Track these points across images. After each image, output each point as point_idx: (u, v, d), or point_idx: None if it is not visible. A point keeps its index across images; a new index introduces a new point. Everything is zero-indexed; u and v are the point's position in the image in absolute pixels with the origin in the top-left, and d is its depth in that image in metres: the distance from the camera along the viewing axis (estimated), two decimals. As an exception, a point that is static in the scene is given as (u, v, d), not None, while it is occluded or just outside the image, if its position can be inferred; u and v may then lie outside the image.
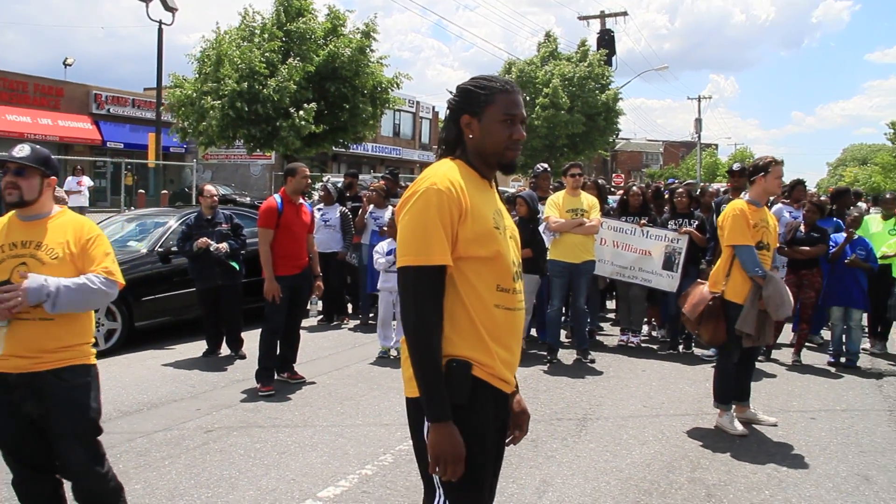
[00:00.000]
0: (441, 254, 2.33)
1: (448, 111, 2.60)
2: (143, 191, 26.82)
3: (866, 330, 9.52)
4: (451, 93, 2.60)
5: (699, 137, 67.14)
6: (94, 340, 3.58)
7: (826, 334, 9.55)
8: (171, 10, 24.64)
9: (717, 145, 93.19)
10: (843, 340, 8.64)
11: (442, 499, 2.40)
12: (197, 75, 20.82)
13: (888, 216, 9.42)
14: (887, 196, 10.08)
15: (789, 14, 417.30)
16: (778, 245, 6.40)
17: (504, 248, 2.46)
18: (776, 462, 5.34)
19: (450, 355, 2.36)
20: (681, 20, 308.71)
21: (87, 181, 20.88)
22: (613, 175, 42.07)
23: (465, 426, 2.33)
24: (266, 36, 20.74)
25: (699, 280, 6.46)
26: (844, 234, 8.75)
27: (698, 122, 65.07)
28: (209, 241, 8.03)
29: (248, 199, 26.08)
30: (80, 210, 20.07)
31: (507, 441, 2.68)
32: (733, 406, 6.09)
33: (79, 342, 3.43)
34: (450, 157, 2.55)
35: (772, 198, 11.23)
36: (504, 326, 2.45)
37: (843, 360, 8.53)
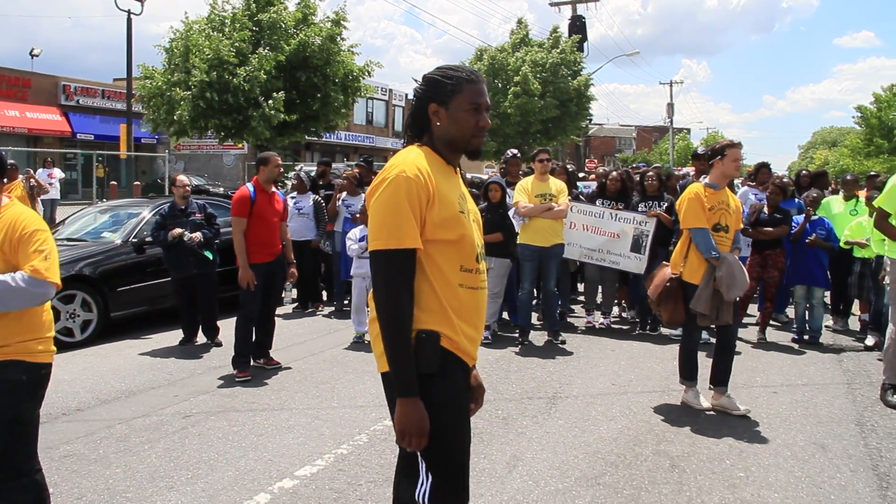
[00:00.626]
0: (411, 238, 2.44)
1: (415, 99, 2.70)
2: (115, 182, 26.68)
3: (829, 307, 9.82)
4: (417, 81, 2.72)
5: (671, 122, 67.74)
6: (45, 337, 3.40)
7: (790, 312, 9.80)
8: (141, -1, 24.51)
9: (689, 130, 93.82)
10: (806, 318, 8.89)
11: (422, 468, 2.52)
12: (166, 66, 20.71)
13: (849, 197, 9.67)
14: (848, 178, 10.33)
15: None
16: (742, 226, 6.55)
17: (468, 231, 2.59)
18: (738, 434, 5.56)
19: (418, 329, 2.49)
20: (653, 5, 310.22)
21: (58, 173, 20.78)
22: (586, 160, 42.37)
23: (440, 394, 2.49)
24: (236, 26, 20.67)
25: (664, 262, 6.59)
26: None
27: (670, 106, 65.64)
28: (183, 230, 8.11)
29: (220, 189, 26.00)
30: (52, 203, 20.00)
31: None
32: (717, 393, 6.14)
33: (19, 339, 3.25)
34: (416, 144, 2.66)
35: (738, 181, 11.56)
36: (468, 304, 2.59)
37: (806, 337, 8.78)
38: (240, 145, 29.24)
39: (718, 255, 5.85)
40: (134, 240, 9.12)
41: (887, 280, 6.65)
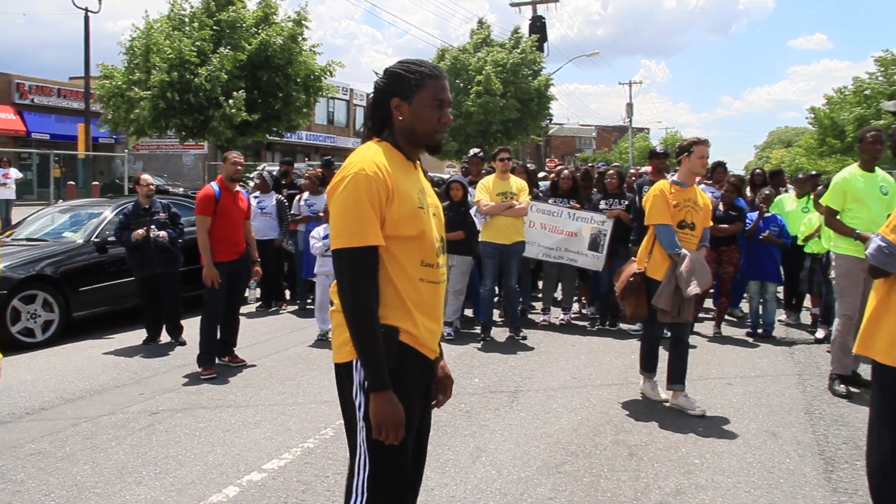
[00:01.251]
0: (373, 235, 2.47)
1: (375, 93, 2.71)
2: (72, 182, 26.31)
3: (782, 302, 10.11)
4: (377, 74, 2.74)
5: (630, 122, 68.46)
6: None
7: (744, 307, 10.07)
8: (98, -4, 24.19)
9: (648, 129, 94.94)
10: (760, 312, 9.15)
11: (363, 457, 2.57)
12: (126, 65, 20.51)
13: (802, 195, 9.95)
14: (800, 176, 10.63)
15: (717, 1, 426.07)
16: (710, 224, 6.48)
17: (428, 226, 2.62)
18: (693, 423, 5.74)
19: (379, 322, 2.53)
20: (613, 6, 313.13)
21: (14, 173, 20.48)
22: (547, 160, 42.66)
23: (394, 389, 2.51)
24: (196, 25, 20.53)
25: (633, 259, 6.64)
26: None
27: (630, 106, 66.39)
28: (146, 231, 8.10)
29: (181, 189, 25.72)
30: (7, 203, 19.71)
31: (432, 404, 2.89)
32: (674, 392, 6.20)
33: None
34: (375, 140, 2.68)
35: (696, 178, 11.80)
36: (428, 298, 2.64)
37: (759, 330, 9.03)
38: (200, 145, 29.01)
39: (681, 251, 5.92)
40: (96, 239, 9.09)
41: (833, 274, 6.90)
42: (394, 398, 2.47)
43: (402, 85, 2.62)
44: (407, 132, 2.65)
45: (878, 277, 3.21)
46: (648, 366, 6.40)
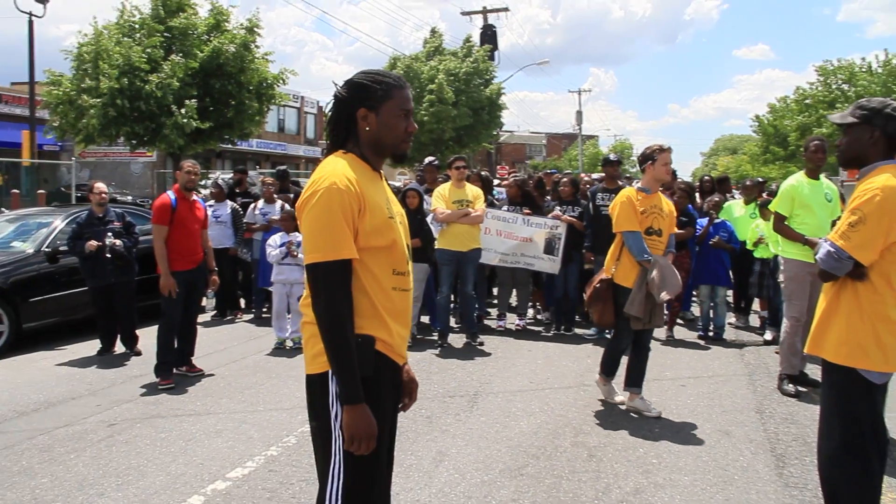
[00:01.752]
0: (347, 248, 2.49)
1: (339, 104, 2.71)
2: (17, 190, 25.71)
3: (732, 305, 10.37)
4: (336, 85, 2.72)
5: (580, 129, 69.23)
6: None
7: (695, 310, 10.30)
8: (43, 1, 23.70)
9: (598, 137, 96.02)
10: (711, 316, 9.37)
11: (338, 465, 2.57)
12: (75, 72, 20.12)
13: (749, 201, 10.23)
14: (748, 183, 10.94)
15: (664, 11, 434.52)
16: (674, 230, 6.49)
17: (398, 235, 2.66)
18: (650, 424, 5.88)
19: (355, 333, 2.55)
20: (562, 15, 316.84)
21: (-45, 182, 19.98)
22: (498, 167, 42.94)
23: (369, 397, 2.54)
24: (146, 31, 20.25)
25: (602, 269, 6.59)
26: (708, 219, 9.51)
27: (579, 114, 67.21)
28: (101, 242, 7.99)
29: (129, 197, 25.24)
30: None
31: (399, 408, 2.92)
32: (631, 394, 6.31)
33: None
34: (341, 152, 2.67)
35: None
36: (400, 305, 2.69)
37: (710, 333, 9.26)
38: (150, 153, 28.56)
39: (651, 257, 5.98)
40: (47, 249, 8.94)
41: (781, 278, 7.12)
42: (367, 411, 2.50)
43: (368, 95, 2.64)
44: (373, 142, 2.67)
45: (827, 281, 3.35)
46: (609, 370, 6.43)
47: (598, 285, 6.15)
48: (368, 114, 2.64)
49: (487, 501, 4.43)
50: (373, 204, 2.57)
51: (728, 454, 5.25)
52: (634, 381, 6.29)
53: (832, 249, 3.21)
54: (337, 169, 2.56)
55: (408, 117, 2.69)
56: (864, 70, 43.59)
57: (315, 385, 2.62)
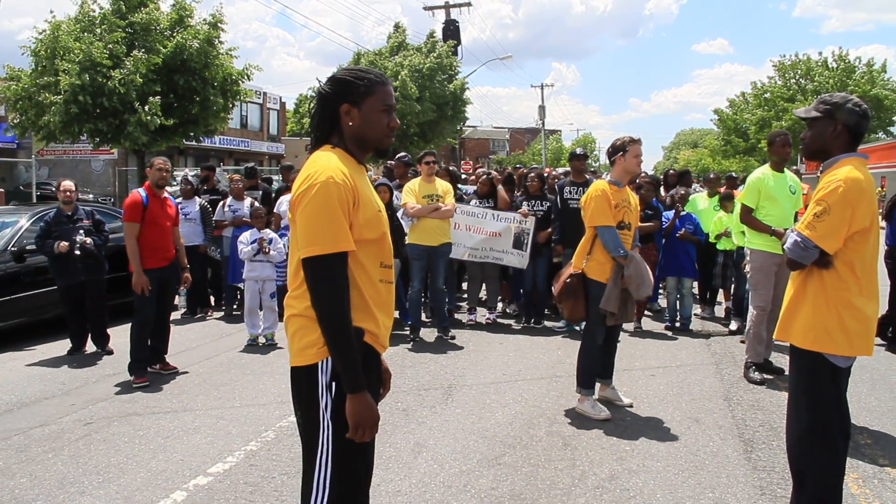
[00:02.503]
0: (346, 240, 2.53)
1: (322, 100, 2.75)
2: (-28, 190, 25.26)
3: (697, 296, 10.59)
4: (319, 81, 2.85)
5: (543, 124, 69.54)
6: None
7: (662, 302, 10.49)
8: (-3, -3, 23.26)
9: (560, 131, 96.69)
10: (678, 307, 9.55)
11: (325, 455, 2.62)
12: (33, 68, 19.78)
13: (713, 194, 10.43)
14: (711, 176, 11.16)
15: (624, 5, 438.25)
16: (638, 224, 6.46)
17: (387, 228, 2.77)
18: (622, 413, 6.02)
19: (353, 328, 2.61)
20: (524, 10, 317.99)
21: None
22: (462, 162, 43.08)
23: None
24: (106, 27, 19.98)
25: (570, 262, 6.50)
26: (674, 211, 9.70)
27: (542, 109, 67.32)
28: (70, 244, 7.94)
29: (90, 195, 24.87)
30: None
31: None
32: (602, 385, 6.30)
33: None
34: (329, 146, 2.72)
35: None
36: (386, 297, 2.77)
37: (677, 324, 9.45)
38: (112, 150, 28.17)
39: (626, 253, 5.90)
40: (13, 248, 8.85)
41: (747, 268, 7.30)
42: (370, 398, 2.55)
43: (351, 91, 2.69)
44: (357, 137, 2.73)
45: (794, 269, 3.49)
46: (587, 381, 6.09)
47: (568, 280, 6.03)
48: (351, 109, 2.70)
49: (466, 490, 4.52)
50: (365, 197, 2.63)
51: (698, 440, 5.40)
52: (605, 373, 6.34)
53: (799, 239, 3.35)
54: (331, 163, 2.60)
55: (389, 113, 2.75)
56: (820, 65, 44.50)
57: (302, 377, 2.65)
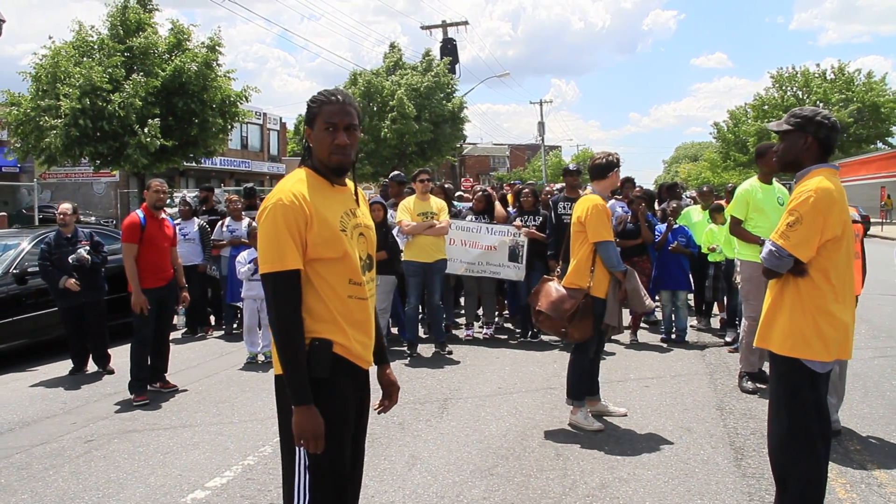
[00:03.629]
0: (292, 259, 2.67)
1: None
2: (-24, 214, 25.39)
3: (694, 307, 10.68)
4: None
5: (542, 140, 69.82)
6: None
7: (658, 313, 10.57)
8: (-1, 21, 23.48)
9: (560, 147, 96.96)
10: (673, 319, 9.64)
11: (303, 461, 2.74)
12: (34, 92, 20.00)
13: (706, 206, 10.53)
14: (704, 189, 11.28)
15: (623, 22, 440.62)
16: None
17: (351, 248, 2.81)
18: (615, 424, 6.10)
19: (312, 337, 2.74)
20: (523, 27, 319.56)
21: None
22: (462, 179, 43.24)
23: (328, 397, 2.73)
24: (105, 51, 20.21)
25: (545, 276, 6.61)
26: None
27: (541, 125, 67.62)
28: (74, 281, 8.09)
29: (92, 218, 24.99)
30: None
31: (378, 410, 3.13)
32: (592, 400, 6.32)
33: None
34: (302, 166, 2.90)
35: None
36: (358, 314, 2.86)
37: (673, 336, 9.53)
38: (114, 173, 28.34)
39: (625, 268, 6.01)
40: (15, 271, 8.96)
41: (738, 279, 7.39)
42: (314, 412, 2.67)
43: (309, 114, 2.88)
44: (317, 157, 2.88)
45: (771, 278, 3.60)
46: (579, 392, 6.13)
47: (583, 301, 5.88)
48: (309, 131, 2.88)
49: (459, 500, 4.60)
50: (321, 218, 2.73)
51: (689, 449, 5.48)
52: (591, 389, 6.36)
53: (773, 248, 3.46)
54: (286, 185, 2.78)
55: (335, 131, 2.81)
56: (818, 76, 44.80)
57: (281, 385, 2.80)
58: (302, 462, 2.74)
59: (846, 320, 3.49)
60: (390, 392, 3.18)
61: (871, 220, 35.53)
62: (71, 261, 8.08)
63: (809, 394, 3.52)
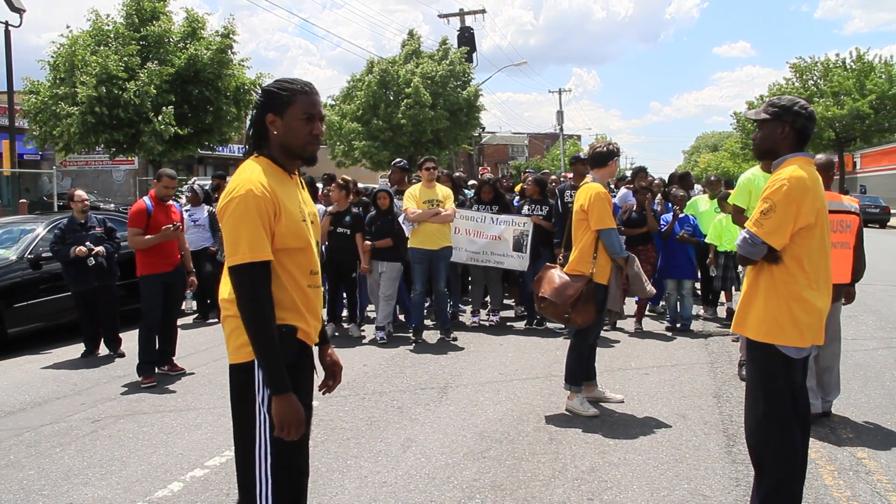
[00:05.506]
0: (266, 251, 2.68)
1: (254, 110, 2.91)
2: (-2, 200, 25.73)
3: (701, 296, 10.71)
4: (257, 94, 2.99)
5: (561, 129, 69.55)
6: None
7: (664, 302, 10.61)
8: (19, 10, 23.75)
9: (579, 136, 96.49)
10: (678, 308, 9.68)
11: (264, 448, 2.74)
12: (52, 80, 20.28)
13: (714, 196, 10.55)
14: (712, 178, 11.30)
15: (645, 10, 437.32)
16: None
17: (312, 238, 2.88)
18: (610, 411, 6.19)
19: (279, 324, 2.74)
20: (545, 16, 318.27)
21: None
22: (480, 168, 43.25)
23: (294, 381, 2.76)
24: (121, 40, 20.43)
25: (548, 264, 6.68)
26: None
27: (560, 114, 67.35)
28: (84, 248, 8.20)
29: (112, 205, 25.28)
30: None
31: (321, 390, 3.13)
32: (590, 386, 6.41)
33: None
34: (254, 156, 2.86)
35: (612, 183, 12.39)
36: (314, 302, 2.92)
37: (678, 324, 9.58)
38: (131, 160, 28.64)
39: (627, 254, 6.18)
40: (30, 256, 9.15)
41: (740, 269, 7.44)
42: (294, 399, 2.69)
43: (276, 101, 2.82)
44: (282, 146, 2.85)
45: (746, 265, 3.68)
46: (577, 378, 6.23)
47: (586, 287, 5.99)
48: (276, 118, 2.83)
49: (450, 481, 4.71)
50: (287, 209, 2.76)
51: (682, 435, 5.56)
52: (588, 375, 6.44)
53: (747, 236, 3.54)
54: (252, 176, 2.74)
55: (312, 121, 2.85)
56: (837, 66, 44.29)
57: (241, 374, 2.80)
58: (264, 447, 2.75)
59: (820, 306, 3.55)
60: (334, 372, 3.17)
61: (892, 211, 35.26)
62: (92, 262, 8.24)
63: (784, 379, 3.59)
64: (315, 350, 3.00)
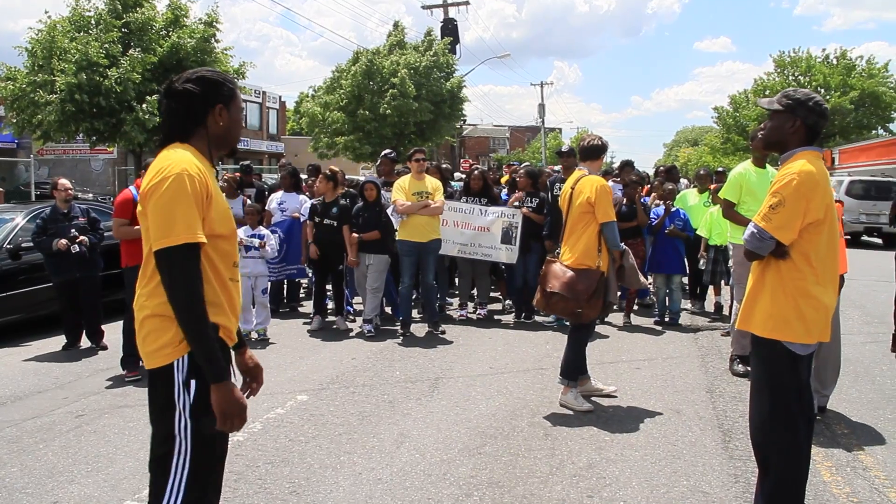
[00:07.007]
0: (201, 233, 2.54)
1: (188, 98, 2.73)
2: (-27, 189, 25.33)
3: (688, 290, 10.69)
4: (179, 80, 2.75)
5: (543, 122, 69.59)
6: None
7: (652, 296, 10.58)
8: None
9: (560, 129, 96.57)
10: (667, 302, 9.65)
11: (185, 454, 2.59)
12: (29, 67, 19.91)
13: (703, 190, 10.53)
14: (701, 172, 11.26)
15: (627, 4, 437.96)
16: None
17: (234, 228, 2.80)
18: (604, 405, 6.13)
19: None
20: (527, 9, 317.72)
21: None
22: (461, 160, 43.17)
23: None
24: (102, 27, 20.11)
25: (549, 258, 6.51)
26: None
27: (541, 107, 67.38)
28: (69, 242, 8.02)
29: (90, 195, 24.99)
30: None
31: (245, 394, 2.89)
32: (583, 379, 6.34)
33: None
34: (178, 144, 2.71)
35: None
36: (236, 297, 2.79)
37: (667, 318, 9.55)
38: (110, 149, 28.26)
39: (623, 247, 6.19)
40: (9, 246, 8.96)
41: (731, 262, 7.40)
42: (234, 386, 2.57)
43: (223, 92, 2.77)
44: (222, 136, 2.80)
45: (753, 261, 3.61)
46: (573, 372, 6.17)
47: (600, 280, 5.97)
48: (223, 110, 2.77)
49: (446, 478, 4.63)
50: (216, 193, 2.68)
51: (678, 430, 5.51)
52: (582, 369, 6.40)
53: (755, 230, 3.46)
54: (185, 157, 2.63)
55: (241, 113, 2.92)
56: (820, 61, 44.57)
57: (158, 379, 2.64)
58: (182, 458, 2.60)
59: (827, 302, 3.49)
60: (255, 374, 3.02)
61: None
62: (75, 250, 8.06)
63: (791, 376, 3.53)
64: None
